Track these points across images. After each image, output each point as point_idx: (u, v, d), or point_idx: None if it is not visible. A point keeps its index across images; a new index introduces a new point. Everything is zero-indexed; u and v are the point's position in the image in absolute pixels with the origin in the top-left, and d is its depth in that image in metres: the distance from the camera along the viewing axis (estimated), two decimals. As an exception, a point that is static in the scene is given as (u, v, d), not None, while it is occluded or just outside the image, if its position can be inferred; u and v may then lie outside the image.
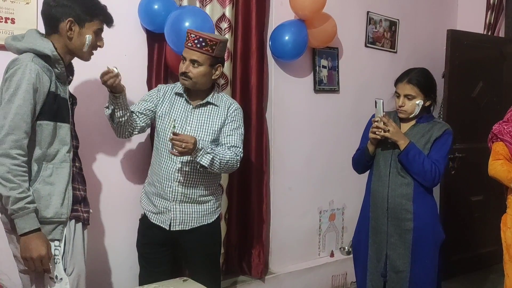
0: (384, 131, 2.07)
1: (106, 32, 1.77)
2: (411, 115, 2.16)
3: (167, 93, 2.11)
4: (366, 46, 3.38)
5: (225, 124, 2.05)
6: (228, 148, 2.01)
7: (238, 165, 2.06)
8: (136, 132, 2.08)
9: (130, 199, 2.38)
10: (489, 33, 3.70)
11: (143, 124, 2.07)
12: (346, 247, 3.31)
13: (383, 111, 2.11)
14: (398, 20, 3.54)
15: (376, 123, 2.10)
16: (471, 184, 3.45)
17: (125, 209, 2.38)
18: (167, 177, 2.01)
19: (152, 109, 2.08)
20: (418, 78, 2.14)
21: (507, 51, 3.69)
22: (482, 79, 3.57)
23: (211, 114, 2.06)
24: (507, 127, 2.11)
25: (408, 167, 2.09)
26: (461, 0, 3.98)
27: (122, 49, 2.31)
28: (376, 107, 2.12)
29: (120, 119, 1.94)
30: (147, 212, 2.10)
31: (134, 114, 2.04)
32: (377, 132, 2.10)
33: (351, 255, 2.47)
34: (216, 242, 2.20)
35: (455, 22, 3.92)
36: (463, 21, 3.87)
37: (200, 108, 2.06)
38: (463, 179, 3.47)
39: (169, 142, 1.85)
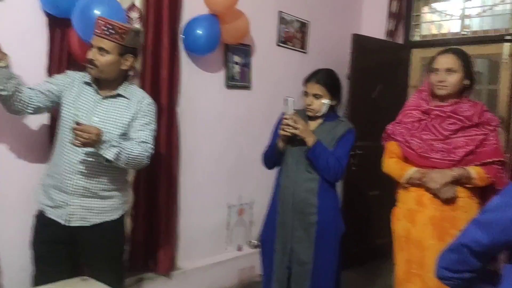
0: (294, 129, 2.14)
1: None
2: (319, 114, 2.25)
3: (76, 80, 1.98)
4: (278, 45, 3.46)
5: (136, 118, 1.97)
6: (138, 144, 1.94)
7: (148, 162, 1.99)
8: (30, 111, 1.91)
9: (22, 194, 2.20)
10: (390, 39, 3.98)
11: (39, 104, 1.91)
12: (254, 241, 3.37)
13: (293, 109, 2.17)
14: (309, 21, 3.67)
15: (286, 120, 2.16)
16: (369, 180, 3.70)
17: (14, 204, 2.19)
18: (69, 169, 1.88)
19: (54, 92, 1.94)
20: (326, 78, 2.23)
21: (404, 56, 4.01)
22: (381, 82, 3.84)
23: (121, 107, 1.96)
24: (399, 127, 2.27)
25: (314, 163, 2.17)
26: (365, 7, 4.24)
27: (17, 32, 2.11)
28: (286, 105, 2.18)
29: (1, 92, 1.78)
30: (44, 207, 1.95)
31: (31, 91, 1.88)
32: (287, 130, 2.16)
33: (259, 249, 2.52)
34: (119, 239, 2.11)
35: (359, 27, 4.17)
36: (367, 27, 4.13)
37: (110, 100, 1.96)
38: (363, 175, 3.70)
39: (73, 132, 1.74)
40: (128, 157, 1.86)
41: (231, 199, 3.28)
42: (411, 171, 2.15)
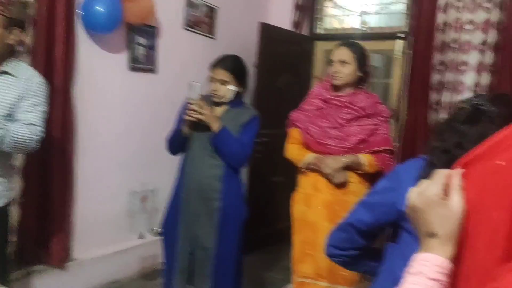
0: (199, 114, 2.12)
1: None
2: (224, 100, 2.25)
3: None
4: (185, 28, 3.38)
5: (24, 98, 1.80)
6: (26, 126, 1.77)
7: (37, 146, 1.84)
8: None
9: None
10: (296, 30, 4.09)
11: None
12: (157, 229, 3.30)
13: (199, 94, 2.14)
14: (218, 7, 3.63)
15: (191, 105, 2.13)
16: (273, 167, 3.80)
17: None
18: None
19: None
20: (232, 65, 2.24)
21: (308, 48, 4.16)
22: (287, 72, 3.95)
23: (6, 86, 1.78)
24: (301, 115, 2.37)
25: (219, 149, 2.18)
26: (273, -4, 4.31)
27: None
28: (191, 89, 2.14)
29: None
30: None
31: None
32: (191, 115, 2.13)
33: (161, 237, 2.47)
34: (2, 229, 1.93)
35: (267, 17, 4.23)
36: (274, 17, 4.20)
37: (-7, 77, 1.77)
38: (267, 162, 3.79)
39: None
40: (14, 140, 1.70)
41: (133, 186, 3.17)
42: (308, 156, 2.26)
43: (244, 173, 3.47)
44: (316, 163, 2.22)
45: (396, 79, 3.84)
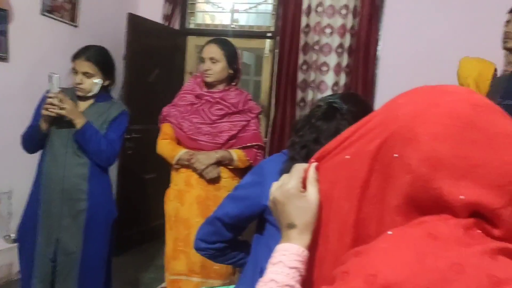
0: (60, 109, 1.95)
1: None
2: (89, 94, 2.11)
3: None
4: (42, 14, 3.08)
5: None
6: None
7: None
8: None
9: None
10: (166, 24, 4.01)
11: None
12: (12, 235, 2.97)
13: (59, 87, 1.98)
14: (80, -7, 3.39)
15: (50, 99, 1.96)
16: (145, 163, 3.69)
17: None
18: None
19: None
20: (97, 56, 2.10)
21: (180, 42, 4.11)
22: (158, 66, 3.85)
23: None
24: (174, 110, 2.34)
25: (84, 146, 2.04)
26: (142, -13, 4.16)
27: None
28: (50, 82, 1.97)
29: None
30: None
31: None
32: (51, 109, 1.96)
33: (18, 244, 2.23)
34: None
35: (137, 8, 4.07)
36: (144, 8, 4.06)
37: None
38: (139, 159, 3.67)
39: None
40: None
41: (-17, 189, 2.80)
42: (180, 152, 2.24)
43: (113, 171, 3.31)
44: (188, 159, 2.22)
45: (266, 77, 4.02)
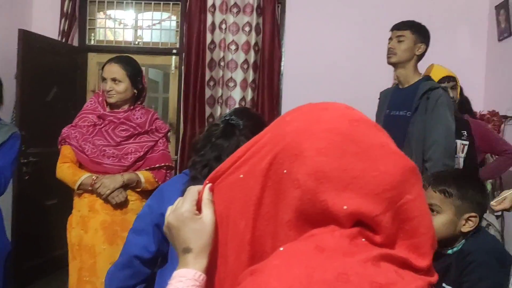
0: None
1: None
2: None
3: None
4: None
5: None
6: None
7: None
8: None
9: None
10: (64, 40, 3.80)
11: None
12: None
13: None
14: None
15: None
16: (45, 189, 3.44)
17: None
18: None
19: None
20: None
21: (80, 60, 3.92)
22: (56, 84, 3.63)
23: None
24: (74, 131, 2.21)
25: None
26: (35, 2, 3.90)
27: None
28: None
29: None
30: None
31: None
32: None
33: None
34: None
35: (30, 24, 3.80)
36: (39, 24, 3.80)
37: None
38: (38, 184, 3.40)
39: None
40: None
41: None
42: (83, 176, 2.11)
43: (7, 198, 3.03)
44: (92, 183, 2.09)
45: (173, 94, 3.97)
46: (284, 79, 3.65)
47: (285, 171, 0.60)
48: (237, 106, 3.57)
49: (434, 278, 0.60)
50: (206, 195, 0.67)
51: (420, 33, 2.36)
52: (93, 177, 2.10)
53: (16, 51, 3.22)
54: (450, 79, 2.58)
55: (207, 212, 0.66)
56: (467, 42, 3.46)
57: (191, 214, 0.66)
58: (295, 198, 0.59)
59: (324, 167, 0.58)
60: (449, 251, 1.50)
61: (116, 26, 4.16)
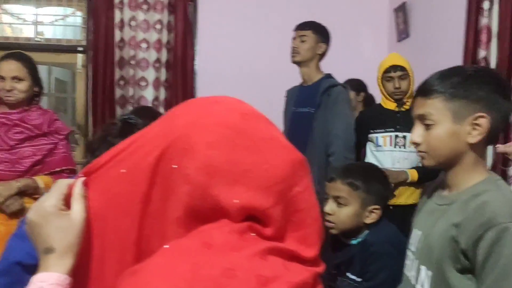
0: None
1: None
2: None
3: None
4: None
5: None
6: None
7: None
8: None
9: None
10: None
11: None
12: None
13: None
14: None
15: None
16: None
17: None
18: None
19: None
20: None
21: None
22: None
23: None
24: None
25: None
26: None
27: None
28: None
29: None
30: None
31: None
32: None
33: None
34: None
35: None
36: None
37: None
38: None
39: None
40: None
41: None
42: None
43: None
44: None
45: (81, 94, 3.76)
46: (198, 78, 3.61)
47: (174, 166, 0.58)
48: (150, 106, 3.47)
49: (321, 268, 0.61)
50: (78, 189, 0.61)
51: (321, 33, 2.48)
52: None
53: None
54: (397, 68, 2.34)
55: (77, 208, 0.60)
56: (369, 43, 3.66)
57: (56, 209, 0.59)
58: (184, 193, 0.57)
59: (215, 160, 0.57)
60: (353, 242, 1.58)
61: (15, 21, 3.85)
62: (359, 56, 3.47)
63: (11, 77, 2.01)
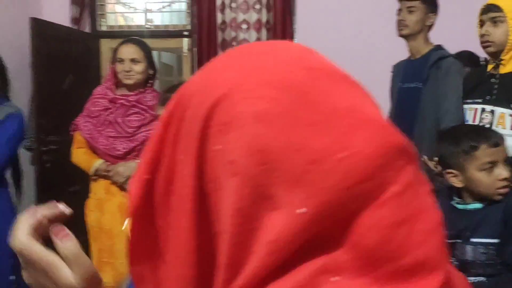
0: None
1: None
2: None
3: None
4: None
5: None
6: None
7: None
8: None
9: None
10: (75, 27, 3.81)
11: None
12: None
13: None
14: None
15: None
16: (67, 176, 3.49)
17: None
18: None
19: None
20: None
21: (93, 46, 3.93)
22: (71, 71, 3.66)
23: None
24: (88, 123, 2.25)
25: None
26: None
27: None
28: None
29: None
30: None
31: None
32: None
33: None
34: None
35: (40, 12, 3.82)
36: (49, 12, 3.82)
37: None
38: (59, 171, 3.46)
39: None
40: None
41: None
42: (97, 163, 2.16)
43: (29, 188, 3.10)
44: (106, 170, 2.14)
45: (187, 77, 3.96)
46: (298, 57, 3.59)
47: (218, 147, 0.39)
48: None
49: None
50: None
51: (430, 2, 2.29)
52: (107, 164, 2.14)
53: (29, 40, 3.25)
54: (491, 8, 1.83)
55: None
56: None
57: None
58: (233, 189, 0.38)
59: (268, 144, 0.37)
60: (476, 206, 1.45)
61: (127, 10, 4.15)
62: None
63: (129, 59, 2.20)
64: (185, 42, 3.90)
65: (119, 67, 2.22)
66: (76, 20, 3.80)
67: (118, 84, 2.28)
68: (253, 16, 3.54)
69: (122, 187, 2.12)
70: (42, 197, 3.35)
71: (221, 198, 0.39)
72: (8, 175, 2.28)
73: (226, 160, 0.39)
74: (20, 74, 2.26)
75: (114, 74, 2.26)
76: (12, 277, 1.99)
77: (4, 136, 2.01)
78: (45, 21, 3.46)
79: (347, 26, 3.47)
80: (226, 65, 0.43)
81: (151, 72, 2.29)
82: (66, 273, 0.45)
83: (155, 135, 0.46)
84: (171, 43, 4.05)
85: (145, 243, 0.47)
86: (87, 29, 3.93)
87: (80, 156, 2.22)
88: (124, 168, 2.11)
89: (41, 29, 3.29)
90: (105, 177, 2.16)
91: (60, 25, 3.61)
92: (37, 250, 0.45)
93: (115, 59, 2.26)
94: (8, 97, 2.16)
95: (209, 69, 0.44)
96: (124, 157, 2.16)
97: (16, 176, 2.28)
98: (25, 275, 0.47)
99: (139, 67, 2.21)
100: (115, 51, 2.30)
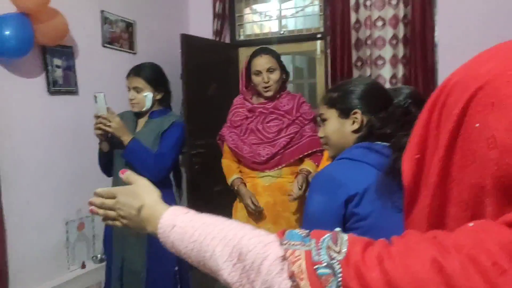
0: (107, 126, 1.99)
1: None
2: (144, 109, 2.15)
3: None
4: (103, 46, 3.28)
5: None
6: None
7: None
8: None
9: None
10: (217, 39, 4.11)
11: None
12: (99, 255, 3.17)
13: (106, 105, 2.02)
14: (135, 21, 3.57)
15: (99, 118, 2.01)
16: (213, 176, 3.77)
17: None
18: None
19: None
20: (145, 71, 2.16)
21: (232, 55, 4.20)
22: (214, 80, 3.95)
23: None
24: (231, 133, 2.40)
25: (132, 163, 2.02)
26: (191, 7, 4.30)
27: None
28: (96, 102, 2.02)
29: None
30: None
31: None
32: (100, 127, 2.01)
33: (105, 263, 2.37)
34: None
35: (187, 27, 4.21)
36: (195, 27, 4.20)
37: None
38: (206, 173, 3.76)
39: None
40: None
41: (68, 214, 3.01)
42: (231, 178, 2.34)
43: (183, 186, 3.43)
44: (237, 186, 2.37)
45: (320, 79, 3.98)
46: (439, 51, 3.37)
47: (477, 124, 0.47)
48: (387, 84, 3.42)
49: None
50: None
51: None
52: (239, 183, 2.34)
53: (178, 54, 3.60)
54: None
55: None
56: None
57: None
58: (492, 160, 0.45)
59: None
60: None
61: (262, 18, 4.33)
62: None
63: (266, 69, 2.27)
64: (318, 44, 3.93)
65: (257, 79, 2.30)
66: (218, 32, 4.10)
67: (254, 92, 2.40)
68: (389, 12, 3.41)
69: (266, 187, 2.25)
70: (192, 196, 3.68)
71: (472, 167, 0.47)
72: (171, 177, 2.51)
73: (485, 136, 0.46)
74: (172, 85, 2.51)
75: (249, 82, 2.37)
76: (176, 268, 2.17)
77: (171, 142, 2.11)
78: (193, 36, 3.81)
79: (492, 17, 3.14)
80: (486, 58, 0.50)
81: (284, 77, 2.35)
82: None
83: (421, 119, 0.55)
84: (304, 46, 4.11)
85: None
86: (227, 39, 4.21)
87: (224, 166, 2.45)
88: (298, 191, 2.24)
89: (189, 43, 3.63)
90: (250, 178, 2.31)
91: (204, 38, 3.94)
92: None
93: (250, 71, 2.35)
94: (170, 106, 2.34)
95: (470, 62, 0.52)
96: (267, 162, 2.25)
97: (177, 178, 2.44)
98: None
99: (275, 76, 2.27)
100: (248, 63, 2.37)
